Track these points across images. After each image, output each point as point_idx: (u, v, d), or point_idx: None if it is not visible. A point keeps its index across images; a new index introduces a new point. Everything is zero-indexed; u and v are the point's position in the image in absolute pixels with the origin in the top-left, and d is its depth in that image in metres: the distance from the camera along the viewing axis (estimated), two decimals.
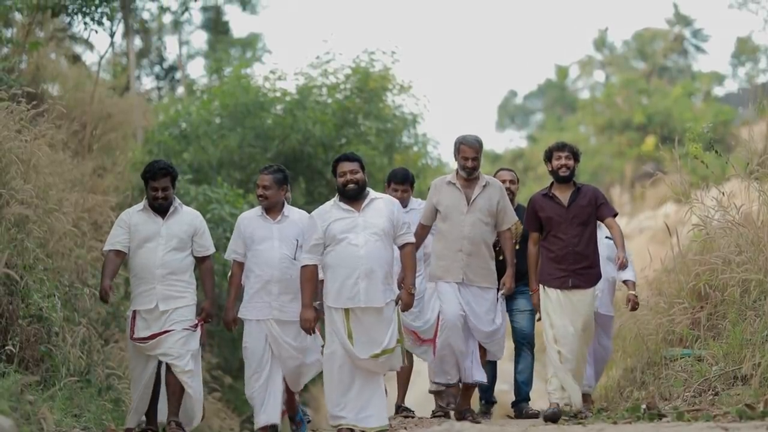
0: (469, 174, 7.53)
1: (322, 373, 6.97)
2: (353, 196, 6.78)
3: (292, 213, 7.37)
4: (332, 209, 6.80)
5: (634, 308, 8.47)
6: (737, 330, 7.28)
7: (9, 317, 7.42)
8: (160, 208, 7.19)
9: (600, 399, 9.25)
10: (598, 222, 7.54)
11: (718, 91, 42.62)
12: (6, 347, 7.20)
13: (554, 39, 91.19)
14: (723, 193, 8.99)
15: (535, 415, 8.19)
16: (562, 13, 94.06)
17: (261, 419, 7.16)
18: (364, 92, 17.50)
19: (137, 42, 26.81)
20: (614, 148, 38.70)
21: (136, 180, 13.20)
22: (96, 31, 12.57)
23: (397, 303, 6.76)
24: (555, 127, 46.25)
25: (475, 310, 7.39)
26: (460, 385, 7.55)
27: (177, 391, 7.05)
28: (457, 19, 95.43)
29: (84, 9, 12.27)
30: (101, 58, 15.88)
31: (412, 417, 8.16)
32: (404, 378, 8.34)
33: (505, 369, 11.35)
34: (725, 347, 7.34)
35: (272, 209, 7.33)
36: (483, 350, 7.63)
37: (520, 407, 8.45)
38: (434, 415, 8.19)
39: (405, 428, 7.49)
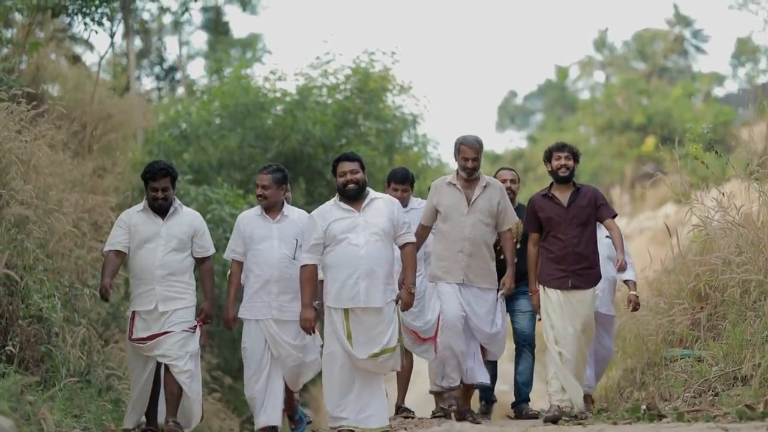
0: (469, 174, 7.53)
1: (321, 373, 6.96)
2: (353, 196, 6.78)
3: (292, 212, 7.37)
4: (332, 209, 6.79)
5: (635, 308, 8.45)
6: (737, 331, 7.28)
7: (9, 318, 7.42)
8: (160, 209, 7.19)
9: (600, 399, 9.25)
10: (598, 222, 7.54)
11: (718, 91, 42.68)
12: (6, 348, 7.20)
13: (554, 39, 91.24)
14: (723, 194, 8.98)
15: (534, 416, 8.19)
16: (562, 13, 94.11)
17: (261, 420, 7.16)
18: (364, 93, 17.51)
19: (137, 42, 26.83)
20: (614, 149, 38.72)
21: (136, 180, 13.21)
22: (96, 32, 12.59)
23: (397, 302, 6.76)
24: (555, 127, 46.25)
25: (475, 310, 7.39)
26: (461, 386, 7.55)
27: (175, 392, 7.05)
28: (457, 19, 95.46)
29: (84, 9, 12.27)
30: (101, 58, 15.91)
31: (412, 417, 8.15)
32: (404, 378, 8.34)
33: (506, 370, 11.36)
34: (725, 348, 7.34)
35: (272, 209, 7.34)
36: (483, 350, 7.63)
37: (520, 408, 8.45)
38: (434, 415, 8.19)
39: (405, 429, 7.49)
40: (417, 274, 7.19)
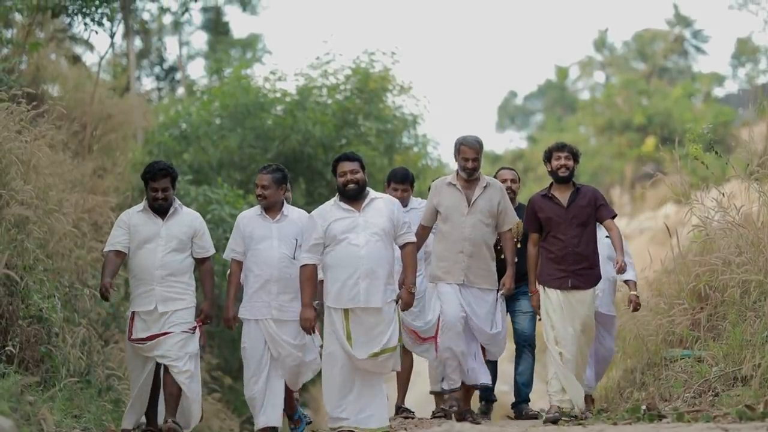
0: (469, 175, 7.53)
1: (321, 373, 6.96)
2: (353, 196, 6.78)
3: (292, 212, 7.37)
4: (332, 209, 6.79)
5: (635, 309, 8.43)
6: (737, 331, 7.28)
7: (9, 318, 7.42)
8: (160, 209, 7.18)
9: (600, 400, 9.25)
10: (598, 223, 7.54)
11: (718, 92, 42.68)
12: (6, 348, 7.20)
13: (554, 40, 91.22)
14: (723, 194, 8.99)
15: (534, 416, 8.18)
16: (562, 13, 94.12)
17: (261, 421, 7.16)
18: (364, 93, 17.51)
19: (137, 43, 26.84)
20: (614, 149, 38.72)
21: (136, 181, 13.21)
22: (96, 32, 12.61)
23: (397, 302, 6.76)
24: (555, 127, 46.25)
25: (476, 311, 7.39)
26: (462, 387, 7.54)
27: (174, 392, 7.05)
28: (457, 19, 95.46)
29: (84, 10, 12.28)
30: (101, 58, 15.92)
31: (412, 418, 8.15)
32: (404, 379, 8.34)
33: (506, 370, 11.36)
34: (725, 348, 7.34)
35: (271, 208, 7.33)
36: (483, 349, 7.62)
37: (520, 408, 8.44)
38: (434, 415, 8.19)
39: (405, 429, 7.49)
40: (417, 274, 7.19)
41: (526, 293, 8.01)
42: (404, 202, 7.91)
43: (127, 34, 21.45)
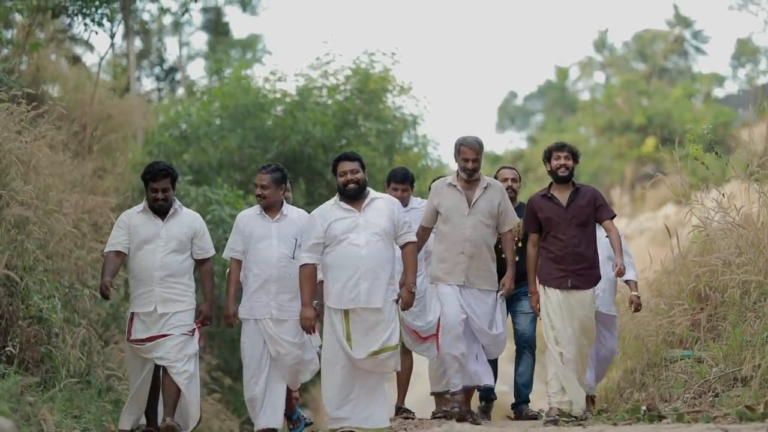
0: (469, 176, 7.52)
1: (320, 374, 6.95)
2: (354, 196, 6.77)
3: (291, 212, 7.36)
4: (333, 209, 6.78)
5: (637, 309, 8.37)
6: (737, 331, 7.28)
7: (9, 318, 7.42)
8: (160, 210, 7.17)
9: (600, 400, 9.25)
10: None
11: (718, 92, 42.70)
12: (6, 348, 7.19)
13: (554, 40, 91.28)
14: (723, 195, 8.98)
15: (534, 417, 8.18)
16: (562, 14, 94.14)
17: (261, 422, 7.14)
18: (364, 93, 17.51)
19: (137, 43, 26.85)
20: (614, 150, 38.73)
21: (136, 181, 13.22)
22: (96, 33, 12.66)
23: (397, 302, 6.75)
24: (555, 128, 46.26)
25: (476, 312, 7.38)
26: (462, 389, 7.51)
27: (173, 392, 7.04)
28: (457, 20, 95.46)
29: (84, 10, 12.28)
30: (101, 59, 15.93)
31: (412, 418, 8.15)
32: (404, 379, 8.34)
33: (506, 371, 11.35)
34: (725, 349, 7.34)
35: (271, 208, 7.32)
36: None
37: (520, 409, 8.44)
38: (434, 416, 8.19)
39: (405, 430, 7.49)
40: (418, 273, 7.19)
41: (527, 294, 8.00)
42: (404, 202, 7.90)
43: (127, 35, 21.46)
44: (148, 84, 29.16)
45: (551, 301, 7.31)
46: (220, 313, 8.17)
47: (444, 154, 27.60)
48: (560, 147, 7.56)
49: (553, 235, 7.38)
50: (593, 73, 51.04)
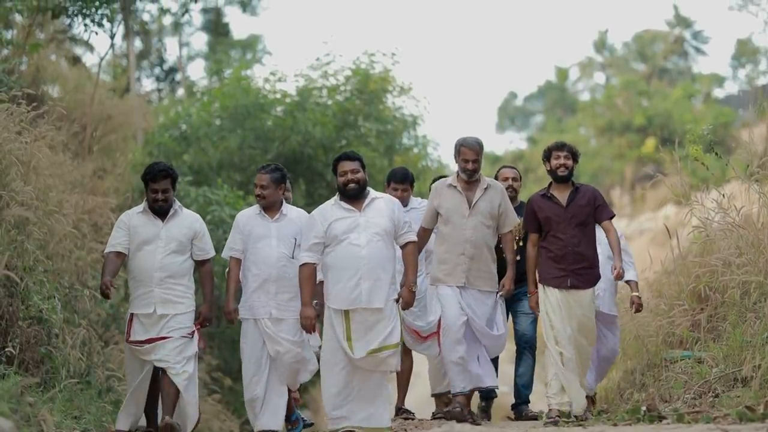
0: (469, 176, 7.51)
1: (320, 374, 6.94)
2: (354, 196, 6.77)
3: (291, 212, 7.35)
4: (333, 209, 6.77)
5: (638, 310, 8.35)
6: (737, 332, 7.28)
7: (9, 319, 7.42)
8: (160, 211, 7.16)
9: (600, 401, 9.25)
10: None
11: (719, 92, 42.69)
12: (6, 349, 7.19)
13: (554, 40, 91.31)
14: (723, 195, 8.98)
15: (534, 418, 8.17)
16: (562, 14, 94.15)
17: (261, 423, 7.13)
18: (364, 94, 17.51)
19: (137, 44, 26.85)
20: (614, 150, 38.73)
21: (136, 182, 13.21)
22: (96, 33, 12.65)
23: (398, 301, 6.75)
24: (555, 128, 46.27)
25: (477, 313, 7.38)
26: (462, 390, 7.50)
27: (172, 393, 7.02)
28: (457, 20, 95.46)
29: (84, 11, 12.28)
30: (101, 59, 15.93)
31: (412, 419, 8.14)
32: (404, 380, 8.33)
33: (506, 371, 11.34)
34: (725, 349, 7.34)
35: (270, 208, 7.31)
36: None
37: (520, 410, 8.43)
38: (434, 417, 8.18)
39: (405, 430, 7.48)
40: (418, 273, 7.18)
41: (527, 294, 8.00)
42: (404, 202, 7.90)
43: (127, 35, 21.45)
44: (148, 84, 29.20)
45: (550, 300, 7.31)
46: (220, 314, 8.17)
47: (444, 155, 27.62)
48: (560, 146, 7.56)
49: (552, 234, 7.37)
50: (593, 73, 51.11)
